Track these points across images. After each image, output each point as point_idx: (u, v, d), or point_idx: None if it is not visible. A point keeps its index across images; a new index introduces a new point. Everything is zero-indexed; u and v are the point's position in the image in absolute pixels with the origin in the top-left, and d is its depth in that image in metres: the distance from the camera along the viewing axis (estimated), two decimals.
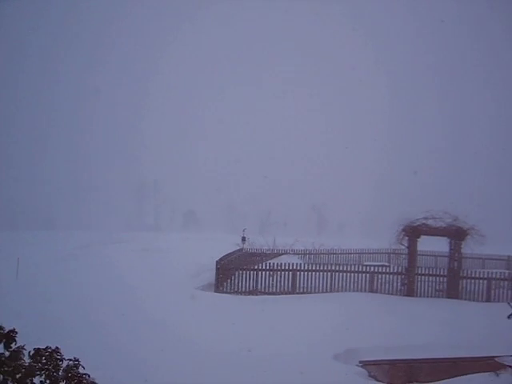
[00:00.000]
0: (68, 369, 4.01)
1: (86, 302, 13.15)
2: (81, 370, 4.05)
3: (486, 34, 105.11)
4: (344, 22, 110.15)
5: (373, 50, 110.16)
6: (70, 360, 4.10)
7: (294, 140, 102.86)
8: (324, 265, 19.73)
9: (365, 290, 17.44)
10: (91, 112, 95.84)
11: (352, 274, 17.72)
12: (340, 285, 17.59)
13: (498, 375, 9.02)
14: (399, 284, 17.68)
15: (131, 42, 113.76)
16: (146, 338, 10.35)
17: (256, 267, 18.49)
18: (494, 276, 17.75)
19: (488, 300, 17.16)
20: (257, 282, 17.50)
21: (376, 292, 17.39)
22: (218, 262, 17.80)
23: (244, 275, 17.69)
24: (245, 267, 18.74)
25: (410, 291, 17.49)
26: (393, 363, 10.41)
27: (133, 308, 12.86)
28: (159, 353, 9.41)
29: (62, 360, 4.06)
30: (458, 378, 9.36)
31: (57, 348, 4.12)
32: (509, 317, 9.37)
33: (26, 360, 3.97)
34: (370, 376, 9.63)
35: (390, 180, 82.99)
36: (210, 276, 18.19)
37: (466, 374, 9.48)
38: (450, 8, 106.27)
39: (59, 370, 4.01)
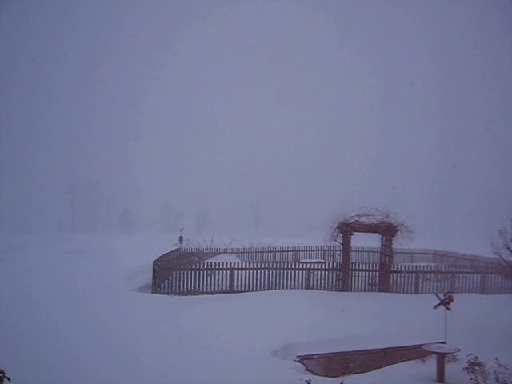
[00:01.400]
0: None
1: (10, 308, 12.48)
2: (6, 383, 3.88)
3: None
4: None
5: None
6: None
7: (233, 138, 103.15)
8: (261, 263, 19.96)
9: (302, 287, 17.80)
10: (29, 110, 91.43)
11: (289, 272, 18.02)
12: (278, 282, 17.85)
13: (424, 361, 9.60)
14: (334, 280, 18.21)
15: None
16: (75, 343, 9.96)
17: (194, 267, 18.39)
18: (421, 269, 18.72)
19: (416, 292, 18.07)
20: (195, 281, 17.42)
21: (312, 288, 17.80)
22: (154, 263, 17.55)
23: (182, 275, 17.54)
24: (182, 267, 18.60)
25: (344, 286, 18.06)
26: (329, 356, 10.75)
27: (63, 312, 12.38)
28: (90, 356, 9.14)
29: None
30: (390, 366, 9.85)
31: None
32: (435, 307, 9.97)
33: None
34: (307, 370, 9.88)
35: (324, 179, 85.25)
36: (148, 277, 17.89)
37: (397, 363, 10.00)
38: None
39: None
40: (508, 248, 11.37)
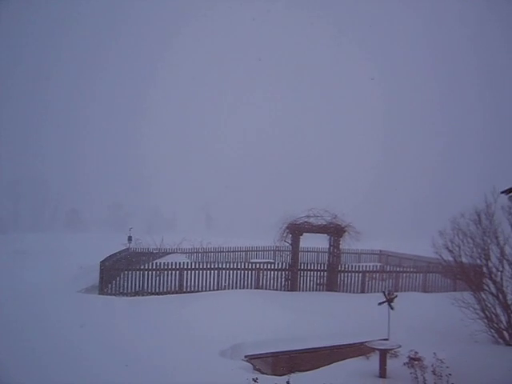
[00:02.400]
0: None
1: None
2: None
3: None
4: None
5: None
6: None
7: (184, 139, 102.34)
8: (211, 263, 19.92)
9: (251, 287, 17.88)
10: None
11: (238, 272, 18.07)
12: (227, 282, 17.86)
13: (368, 358, 9.91)
14: (283, 280, 18.42)
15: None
16: (11, 347, 9.55)
17: (142, 267, 18.12)
18: (367, 269, 19.26)
19: (362, 291, 18.59)
20: (143, 282, 17.16)
21: (262, 288, 17.91)
22: (102, 263, 17.19)
23: (130, 276, 17.24)
24: (130, 267, 18.29)
25: (293, 286, 18.32)
26: (276, 355, 10.90)
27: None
28: (25, 362, 8.82)
29: None
30: (335, 363, 10.08)
31: None
32: (379, 304, 10.32)
33: None
34: (254, 369, 9.95)
35: (274, 180, 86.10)
36: (95, 278, 17.48)
37: (342, 360, 10.26)
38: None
39: None
40: (447, 248, 11.91)
